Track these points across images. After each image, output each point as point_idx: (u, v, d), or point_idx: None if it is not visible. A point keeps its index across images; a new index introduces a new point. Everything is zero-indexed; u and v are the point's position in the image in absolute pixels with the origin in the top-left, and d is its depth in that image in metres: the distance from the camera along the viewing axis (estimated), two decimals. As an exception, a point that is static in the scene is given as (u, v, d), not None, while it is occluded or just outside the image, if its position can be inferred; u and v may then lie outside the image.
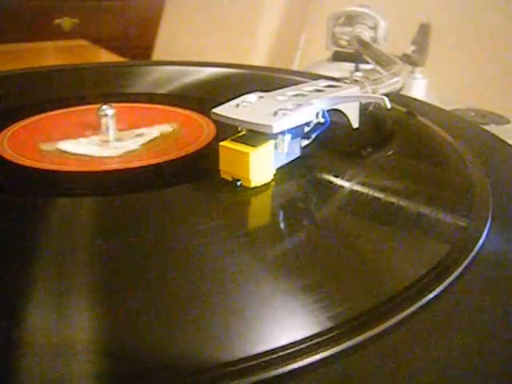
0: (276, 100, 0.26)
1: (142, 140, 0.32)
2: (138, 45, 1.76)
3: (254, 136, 0.24)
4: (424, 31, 0.54)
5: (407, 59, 0.54)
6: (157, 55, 1.17)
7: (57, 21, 1.73)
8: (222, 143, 0.25)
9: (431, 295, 0.18)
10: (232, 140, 0.25)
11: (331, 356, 0.16)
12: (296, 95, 0.27)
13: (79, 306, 0.18)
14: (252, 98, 0.26)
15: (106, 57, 1.13)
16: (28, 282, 0.19)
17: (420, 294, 0.18)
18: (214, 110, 0.26)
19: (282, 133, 0.25)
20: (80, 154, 0.30)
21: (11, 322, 0.17)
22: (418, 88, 0.56)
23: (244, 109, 0.25)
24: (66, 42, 1.25)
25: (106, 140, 0.32)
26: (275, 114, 0.24)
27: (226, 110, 0.25)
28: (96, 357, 0.16)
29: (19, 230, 0.22)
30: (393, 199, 0.25)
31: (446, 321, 0.18)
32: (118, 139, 0.32)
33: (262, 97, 0.27)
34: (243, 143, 0.24)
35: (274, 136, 0.25)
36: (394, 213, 0.24)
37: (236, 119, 0.25)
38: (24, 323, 0.17)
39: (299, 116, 0.25)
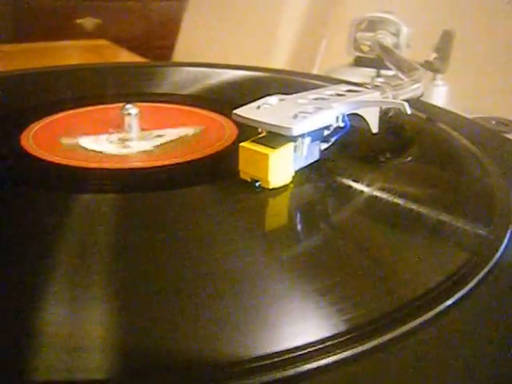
0: (297, 103, 0.26)
1: (163, 140, 0.32)
2: (158, 45, 1.77)
3: (274, 138, 0.24)
4: (447, 38, 0.53)
5: (429, 66, 0.54)
6: (177, 56, 1.18)
7: (79, 20, 1.74)
8: (241, 144, 0.25)
9: (448, 303, 0.18)
10: (252, 141, 0.25)
11: (345, 359, 0.16)
12: (317, 99, 0.27)
13: (95, 301, 0.18)
14: (273, 100, 0.26)
15: (126, 57, 1.14)
16: (46, 275, 0.19)
17: (437, 301, 0.18)
18: (236, 111, 0.26)
19: (302, 135, 0.25)
20: (98, 151, 0.30)
21: (29, 313, 0.17)
22: (440, 95, 0.56)
23: (265, 111, 0.25)
24: (87, 42, 1.26)
25: (126, 139, 0.32)
26: (295, 116, 0.24)
27: (247, 112, 0.25)
28: (109, 351, 0.16)
29: (41, 224, 0.23)
30: (411, 205, 0.25)
31: (462, 329, 0.18)
32: (140, 138, 0.32)
33: (282, 99, 0.27)
34: (263, 144, 0.24)
35: (294, 138, 0.25)
36: (412, 219, 0.24)
37: (256, 121, 0.25)
38: (40, 315, 0.17)
39: (319, 119, 0.25)
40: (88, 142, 0.31)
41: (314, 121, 0.24)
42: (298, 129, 0.24)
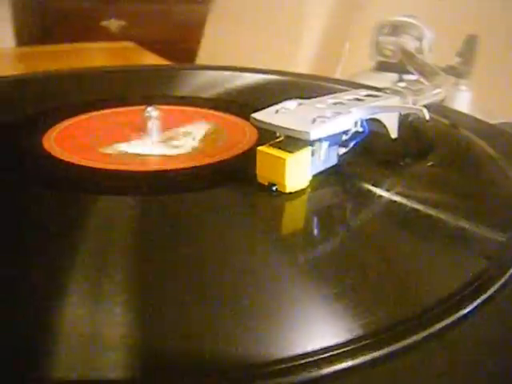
0: (315, 107, 0.26)
1: (184, 143, 0.32)
2: (182, 48, 1.77)
3: (292, 142, 0.24)
4: (470, 43, 0.53)
5: (452, 71, 0.54)
6: (201, 59, 1.18)
7: (104, 23, 1.76)
8: (259, 148, 0.25)
9: (466, 310, 0.18)
10: (269, 145, 0.25)
11: (360, 364, 0.16)
12: (335, 103, 0.27)
13: (115, 301, 0.18)
14: (292, 104, 0.26)
15: (151, 59, 1.15)
16: (67, 273, 0.19)
17: (455, 308, 0.18)
18: (254, 115, 0.26)
19: (320, 140, 0.25)
20: (123, 152, 0.31)
21: (49, 311, 0.17)
22: (462, 100, 0.55)
23: (283, 115, 0.26)
24: (112, 44, 1.27)
25: (144, 140, 0.32)
26: (313, 121, 0.24)
27: (264, 116, 0.26)
28: (130, 350, 0.16)
29: (66, 224, 0.23)
30: (430, 211, 0.25)
31: (480, 336, 0.17)
32: (159, 141, 0.32)
33: (301, 104, 0.27)
34: (280, 149, 0.24)
35: (311, 143, 0.25)
36: (430, 225, 0.24)
37: (274, 125, 0.25)
38: (61, 313, 0.17)
39: (337, 124, 0.25)
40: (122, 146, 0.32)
41: (332, 125, 0.24)
42: (315, 133, 0.24)
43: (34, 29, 1.75)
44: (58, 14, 1.69)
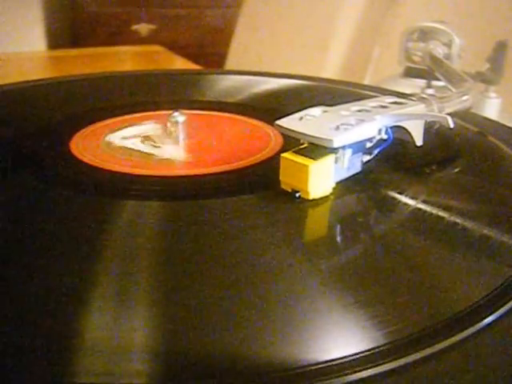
0: (339, 114, 0.26)
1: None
2: (212, 52, 1.79)
3: (315, 149, 0.25)
4: (500, 49, 0.52)
5: (481, 77, 0.53)
6: (230, 64, 1.19)
7: (135, 26, 1.78)
8: (283, 154, 0.25)
9: (489, 319, 0.18)
10: (293, 152, 0.25)
11: (381, 373, 0.16)
12: (360, 110, 0.27)
13: (140, 307, 0.18)
14: (316, 111, 0.27)
15: (180, 63, 1.15)
16: (91, 280, 0.20)
17: (478, 317, 0.18)
18: (278, 122, 0.26)
19: (343, 147, 0.25)
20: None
21: (72, 318, 0.18)
22: (491, 107, 0.55)
23: (307, 122, 0.26)
24: (141, 48, 1.28)
25: (173, 144, 0.32)
26: (337, 128, 0.24)
27: (288, 123, 0.26)
28: (153, 357, 0.16)
29: (90, 229, 0.23)
30: (455, 219, 0.24)
31: (505, 344, 0.17)
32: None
33: (325, 111, 0.27)
34: (304, 155, 0.24)
35: (335, 150, 0.25)
36: (455, 232, 0.24)
37: (298, 132, 0.25)
38: (84, 320, 0.18)
39: (361, 131, 0.25)
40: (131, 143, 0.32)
41: (356, 133, 0.24)
42: (338, 141, 0.24)
43: (66, 32, 1.78)
44: (90, 18, 1.71)
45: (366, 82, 0.92)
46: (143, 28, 1.79)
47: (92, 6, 1.72)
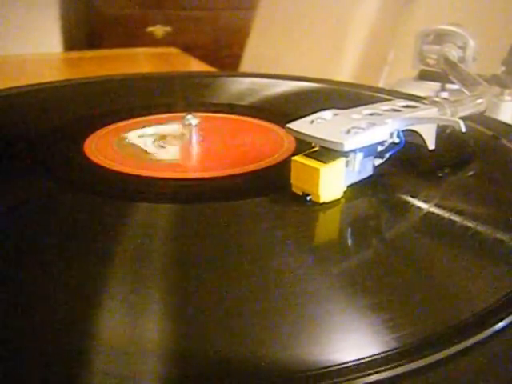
0: (350, 118, 0.26)
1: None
2: (227, 54, 1.79)
3: (326, 152, 0.25)
4: (515, 52, 0.52)
5: (496, 80, 0.53)
6: (245, 66, 1.19)
7: (150, 28, 1.79)
8: (294, 158, 0.25)
9: (501, 324, 0.18)
10: (304, 155, 0.25)
11: (394, 377, 0.16)
12: (371, 114, 0.27)
13: (152, 308, 0.18)
14: (327, 115, 0.26)
15: (194, 65, 1.16)
16: (104, 281, 0.20)
17: (490, 321, 0.18)
18: (289, 125, 0.26)
19: (354, 151, 0.25)
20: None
21: (85, 319, 0.18)
22: (507, 111, 0.54)
23: (318, 125, 0.26)
24: (157, 49, 1.29)
25: (185, 146, 0.33)
26: (348, 132, 0.24)
27: (299, 126, 0.26)
28: (166, 358, 0.16)
29: (101, 230, 0.23)
30: (468, 223, 0.24)
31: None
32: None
33: (337, 114, 0.27)
34: (315, 159, 0.24)
35: (346, 154, 0.25)
36: (468, 236, 0.23)
37: (308, 135, 0.25)
38: (97, 321, 0.18)
39: (372, 135, 0.25)
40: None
41: (367, 137, 0.24)
42: (349, 144, 0.24)
43: (82, 34, 1.79)
44: (106, 20, 1.72)
45: (381, 84, 0.91)
46: (159, 30, 1.80)
47: (108, 8, 1.73)
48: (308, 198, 0.25)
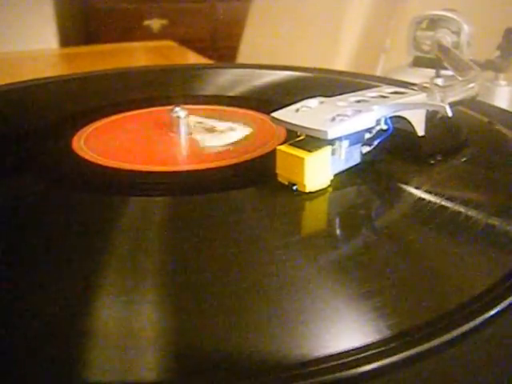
0: (336, 105, 0.26)
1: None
2: (224, 46, 1.79)
3: (312, 141, 0.24)
4: (509, 36, 0.51)
5: (491, 65, 0.52)
6: (241, 57, 1.18)
7: (146, 22, 1.78)
8: (278, 147, 0.25)
9: (496, 309, 0.18)
10: (289, 144, 0.25)
11: (388, 365, 0.16)
12: (358, 101, 0.26)
13: (148, 302, 0.18)
14: (313, 102, 0.26)
15: (191, 57, 1.15)
16: (101, 275, 0.20)
17: (485, 307, 0.18)
18: (273, 114, 0.26)
19: (340, 138, 0.24)
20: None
21: (83, 313, 0.18)
22: (502, 95, 0.54)
23: (303, 113, 0.25)
24: (153, 43, 1.29)
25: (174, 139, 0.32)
26: (333, 119, 0.24)
27: (284, 115, 0.25)
28: (163, 351, 0.16)
29: (94, 225, 0.23)
30: (460, 209, 0.24)
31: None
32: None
33: (322, 102, 0.26)
34: (300, 148, 0.24)
35: (332, 142, 0.24)
36: (460, 222, 0.23)
37: (292, 123, 0.25)
38: (95, 315, 0.18)
39: (357, 122, 0.24)
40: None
41: (352, 124, 0.24)
42: (333, 132, 0.23)
43: (78, 29, 1.79)
44: (102, 15, 1.72)
45: (378, 72, 0.91)
46: (155, 23, 1.79)
47: (104, 3, 1.72)
48: (294, 187, 0.25)
